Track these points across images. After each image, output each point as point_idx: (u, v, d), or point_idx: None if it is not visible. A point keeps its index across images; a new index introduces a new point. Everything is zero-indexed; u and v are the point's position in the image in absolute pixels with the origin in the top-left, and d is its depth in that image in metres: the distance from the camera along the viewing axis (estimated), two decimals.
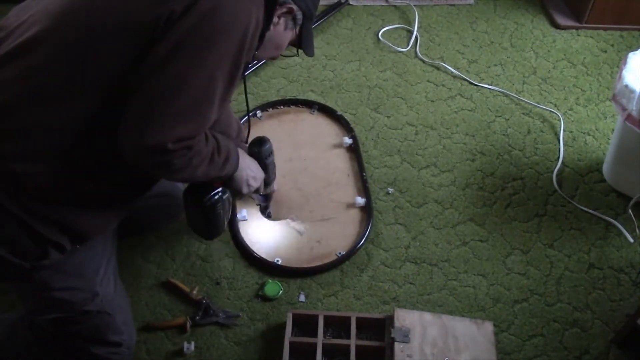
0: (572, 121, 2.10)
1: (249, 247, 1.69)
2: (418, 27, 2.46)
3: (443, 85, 2.23)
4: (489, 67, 2.31)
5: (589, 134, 2.05)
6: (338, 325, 1.51)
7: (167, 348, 1.50)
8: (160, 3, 1.01)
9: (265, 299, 1.60)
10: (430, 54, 2.36)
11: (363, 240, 1.71)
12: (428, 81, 2.25)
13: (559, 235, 1.76)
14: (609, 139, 2.02)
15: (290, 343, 1.45)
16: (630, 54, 1.70)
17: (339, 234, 1.74)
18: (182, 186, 1.52)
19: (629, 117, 1.62)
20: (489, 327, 1.49)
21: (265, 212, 1.76)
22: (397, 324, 1.44)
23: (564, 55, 2.37)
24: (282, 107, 2.12)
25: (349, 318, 1.49)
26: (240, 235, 1.71)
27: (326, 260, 1.67)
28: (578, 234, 1.76)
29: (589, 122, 2.10)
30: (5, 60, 1.05)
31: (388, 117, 2.10)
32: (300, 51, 1.35)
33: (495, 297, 1.62)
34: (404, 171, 1.93)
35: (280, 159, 1.77)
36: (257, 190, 1.53)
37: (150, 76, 1.01)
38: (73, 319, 1.26)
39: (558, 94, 2.20)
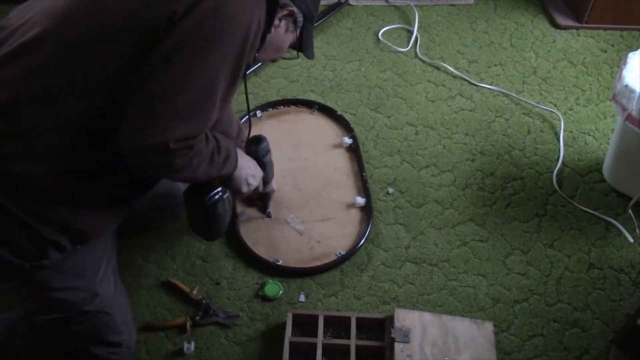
0: (572, 121, 2.10)
1: (249, 247, 1.69)
2: (418, 27, 2.46)
3: (443, 85, 2.23)
4: (489, 67, 2.31)
5: (589, 134, 2.05)
6: (338, 325, 1.51)
7: (167, 348, 1.50)
8: (162, 3, 1.01)
9: (265, 299, 1.60)
10: (430, 54, 2.36)
11: (363, 240, 1.71)
12: (428, 81, 2.25)
13: (559, 235, 1.76)
14: (609, 139, 2.02)
15: (290, 343, 1.45)
16: (630, 54, 1.70)
17: (339, 234, 1.74)
18: (182, 186, 1.52)
19: (629, 117, 1.62)
20: (489, 327, 1.49)
21: (265, 212, 1.77)
22: (397, 324, 1.44)
23: (564, 55, 2.37)
24: (282, 107, 2.12)
25: (349, 318, 1.49)
26: (240, 235, 1.71)
27: (326, 260, 1.67)
28: (578, 234, 1.76)
29: (589, 122, 2.10)
30: (7, 60, 1.05)
31: (388, 117, 2.10)
32: (300, 53, 1.35)
33: (495, 297, 1.62)
34: (404, 171, 1.93)
35: (280, 159, 1.77)
36: (256, 189, 1.53)
37: (152, 76, 1.01)
38: (73, 319, 1.26)
39: (558, 94, 2.20)
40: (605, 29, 2.46)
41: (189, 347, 1.49)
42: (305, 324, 1.50)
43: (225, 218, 1.42)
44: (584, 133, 2.06)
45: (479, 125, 2.08)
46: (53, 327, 1.29)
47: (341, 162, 1.94)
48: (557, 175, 1.91)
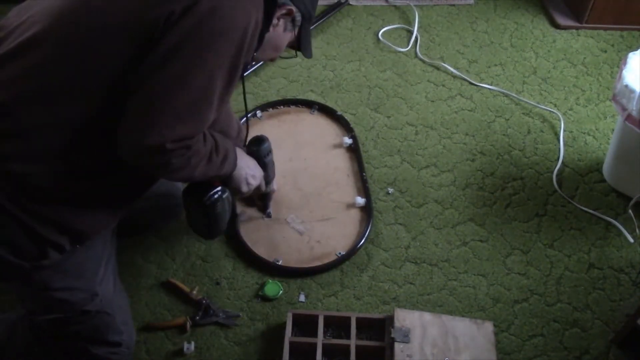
0: (572, 121, 2.10)
1: (249, 247, 1.69)
2: (418, 27, 2.46)
3: (443, 85, 2.23)
4: (489, 67, 2.31)
5: (589, 134, 2.05)
6: (338, 325, 1.51)
7: (167, 348, 1.50)
8: (160, 3, 1.01)
9: (265, 299, 1.60)
10: (430, 54, 2.36)
11: (363, 240, 1.71)
12: (428, 81, 2.24)
13: (559, 235, 1.76)
14: (609, 139, 2.02)
15: (290, 343, 1.45)
16: (630, 54, 1.70)
17: (339, 234, 1.74)
18: (182, 186, 1.52)
19: (629, 117, 1.62)
20: (489, 327, 1.49)
21: (265, 212, 1.77)
22: (397, 324, 1.44)
23: (564, 55, 2.36)
24: (282, 107, 2.12)
25: (349, 318, 1.49)
26: (240, 235, 1.71)
27: (326, 260, 1.67)
28: (578, 234, 1.76)
29: (589, 122, 2.10)
30: (5, 59, 1.05)
31: (388, 117, 2.10)
32: (298, 52, 1.36)
33: (495, 297, 1.62)
34: (404, 171, 1.93)
35: (280, 159, 1.77)
36: (257, 189, 1.53)
37: (150, 76, 1.01)
38: (73, 319, 1.26)
39: (558, 94, 2.20)
40: (605, 29, 2.46)
41: (189, 347, 1.49)
42: (305, 324, 1.50)
43: (225, 217, 1.42)
44: (584, 133, 2.06)
45: (479, 125, 2.08)
46: (53, 327, 1.29)
47: (341, 162, 1.94)
48: (557, 175, 1.91)
